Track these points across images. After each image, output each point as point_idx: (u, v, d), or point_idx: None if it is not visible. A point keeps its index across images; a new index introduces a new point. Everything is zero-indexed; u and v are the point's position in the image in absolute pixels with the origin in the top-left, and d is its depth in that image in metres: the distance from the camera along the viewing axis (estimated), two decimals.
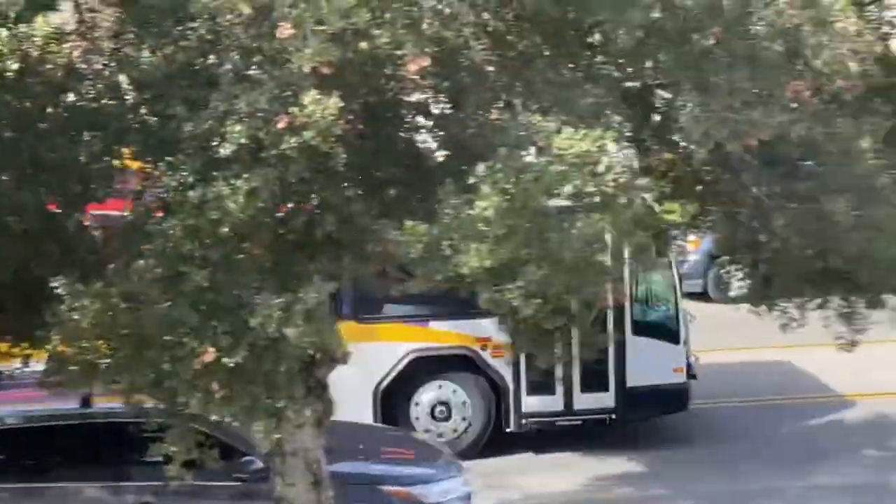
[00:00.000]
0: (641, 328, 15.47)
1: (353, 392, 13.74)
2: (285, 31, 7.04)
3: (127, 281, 7.59)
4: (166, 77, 7.68)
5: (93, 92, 7.99)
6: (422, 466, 12.54)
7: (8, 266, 8.17)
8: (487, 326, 14.16)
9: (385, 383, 15.08)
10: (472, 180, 7.16)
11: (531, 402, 15.35)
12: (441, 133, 8.51)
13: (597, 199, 7.35)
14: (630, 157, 7.73)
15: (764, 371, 17.83)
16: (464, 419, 15.42)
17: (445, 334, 15.16)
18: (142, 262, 7.54)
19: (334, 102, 7.01)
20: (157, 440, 8.53)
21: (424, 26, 7.14)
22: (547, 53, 7.80)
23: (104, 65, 7.99)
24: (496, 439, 15.30)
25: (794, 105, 7.93)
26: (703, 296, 20.77)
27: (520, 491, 14.43)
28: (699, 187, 8.74)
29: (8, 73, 7.45)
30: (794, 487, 14.09)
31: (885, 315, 9.56)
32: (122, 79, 7.94)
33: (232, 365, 7.44)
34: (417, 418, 15.34)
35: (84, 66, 7.95)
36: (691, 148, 7.69)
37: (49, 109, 7.90)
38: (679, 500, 14.24)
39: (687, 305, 16.04)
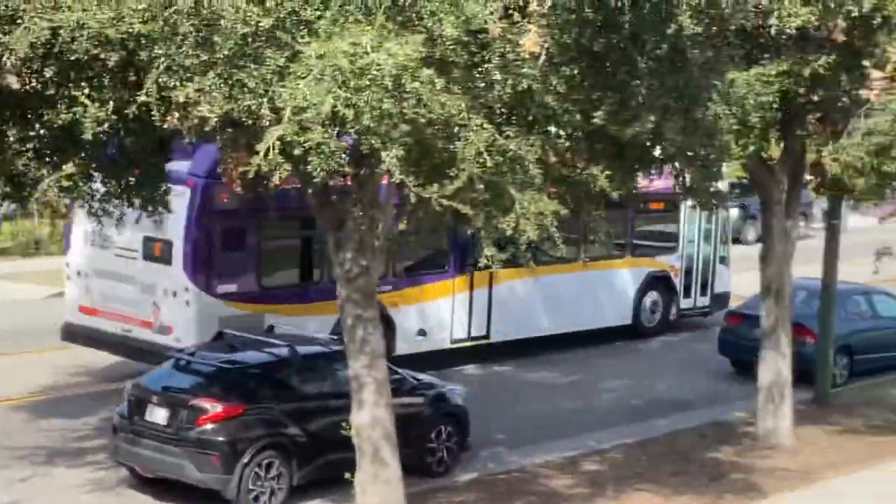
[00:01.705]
0: (721, 259, 29.26)
1: (621, 296, 27.07)
2: None
3: None
4: None
5: None
6: None
7: None
8: (675, 259, 27.98)
9: (638, 290, 27.51)
10: None
11: (682, 302, 28.65)
12: None
13: None
14: None
15: None
16: (661, 312, 28.08)
17: (662, 264, 28.04)
18: None
19: None
20: None
21: None
22: None
23: None
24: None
25: None
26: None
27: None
28: None
29: None
30: None
31: None
32: None
33: None
34: (644, 310, 27.70)
35: None
36: None
37: None
38: None
39: None
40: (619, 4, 12.37)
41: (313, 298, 21.21)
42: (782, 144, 18.79)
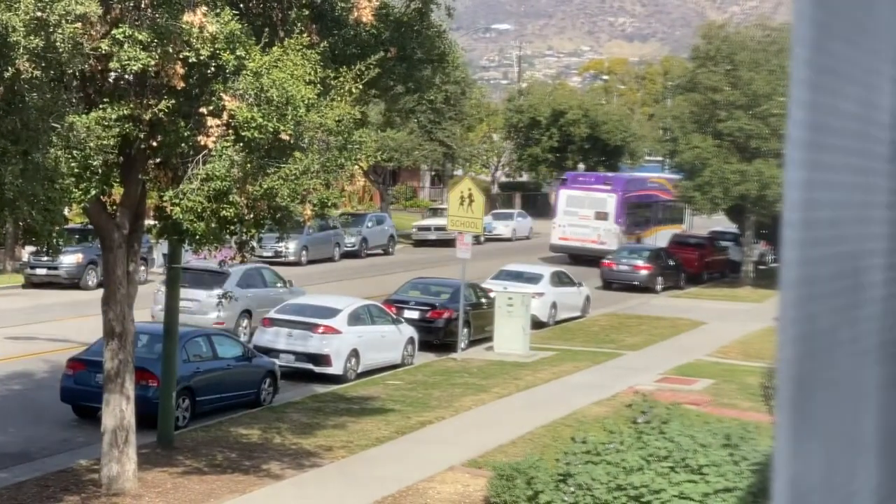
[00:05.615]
0: None
1: None
2: None
3: None
4: None
5: None
6: None
7: None
8: None
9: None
10: None
11: None
12: None
13: None
14: None
15: None
16: None
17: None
18: None
19: None
20: None
21: None
22: None
23: None
24: None
25: None
26: None
27: None
28: None
29: None
30: None
31: None
32: None
33: None
34: None
35: None
36: None
37: None
38: None
39: None
40: None
41: (645, 229, 63.76)
42: (123, 189, 18.87)
